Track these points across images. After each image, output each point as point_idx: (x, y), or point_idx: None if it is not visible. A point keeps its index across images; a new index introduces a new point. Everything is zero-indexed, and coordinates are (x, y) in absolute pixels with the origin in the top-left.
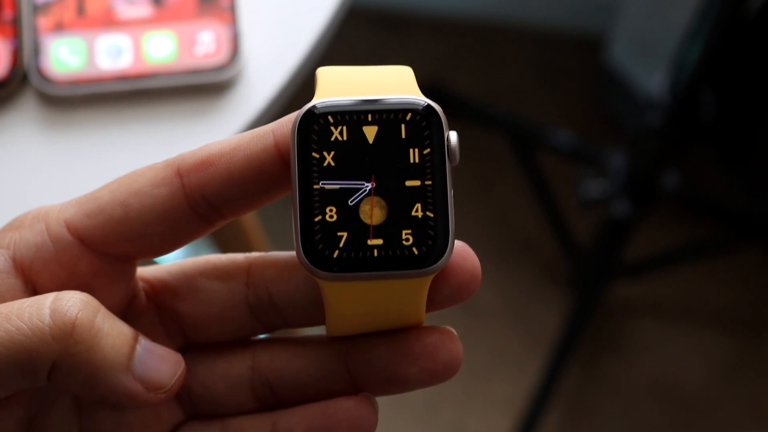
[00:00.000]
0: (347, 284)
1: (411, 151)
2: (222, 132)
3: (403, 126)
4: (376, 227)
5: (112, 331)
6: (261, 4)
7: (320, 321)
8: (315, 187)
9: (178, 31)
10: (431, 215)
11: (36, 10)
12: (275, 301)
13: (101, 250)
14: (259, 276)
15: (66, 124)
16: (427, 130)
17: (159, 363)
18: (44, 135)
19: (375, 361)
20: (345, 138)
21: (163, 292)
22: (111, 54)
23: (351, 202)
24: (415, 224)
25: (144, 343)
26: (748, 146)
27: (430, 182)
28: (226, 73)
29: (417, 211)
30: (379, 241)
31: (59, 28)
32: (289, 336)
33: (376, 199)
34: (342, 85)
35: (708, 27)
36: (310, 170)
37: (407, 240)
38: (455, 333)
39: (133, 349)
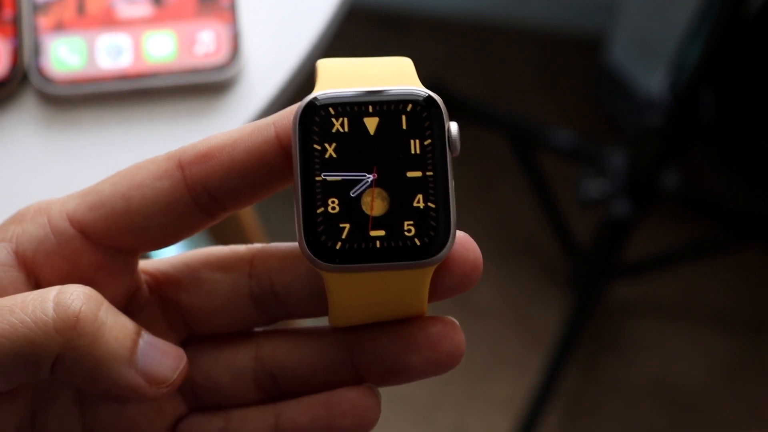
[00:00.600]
0: (350, 275)
1: (412, 142)
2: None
3: (403, 117)
4: (378, 218)
5: (115, 325)
6: (261, 4)
7: (323, 311)
8: (317, 178)
9: (178, 30)
10: (433, 206)
11: (36, 9)
12: (278, 292)
13: (103, 243)
14: (262, 267)
15: (66, 124)
16: (428, 120)
17: (161, 357)
18: (44, 135)
19: (378, 351)
20: (346, 129)
21: (166, 284)
22: (111, 53)
23: (353, 193)
24: (416, 215)
25: (147, 337)
26: (748, 146)
27: (431, 173)
28: (226, 72)
29: (419, 202)
30: (382, 232)
31: (59, 27)
32: (291, 327)
33: (377, 190)
34: (342, 77)
35: (708, 27)
36: (312, 162)
37: (409, 231)
38: (457, 323)
39: (136, 342)
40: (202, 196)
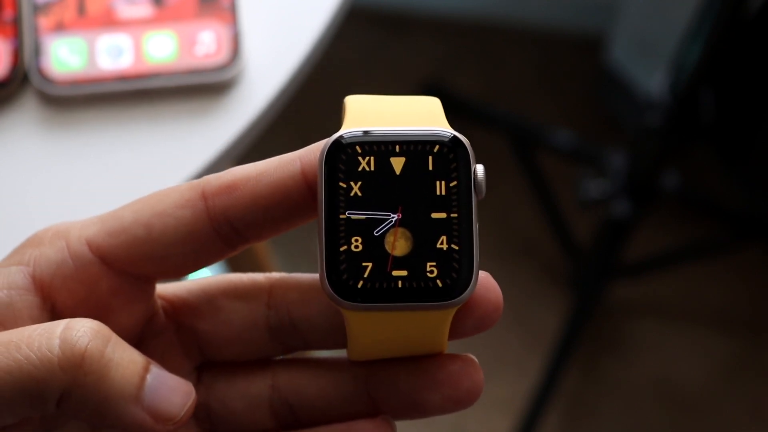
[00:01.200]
0: (370, 314)
1: (438, 183)
2: (223, 132)
3: (430, 158)
4: (401, 258)
5: (122, 361)
6: (261, 4)
7: (341, 345)
8: (341, 216)
9: (179, 31)
10: (456, 248)
11: (36, 10)
12: (296, 324)
13: (122, 269)
14: (281, 298)
15: (66, 125)
16: (454, 162)
17: (169, 394)
18: (44, 135)
19: (397, 387)
20: (372, 168)
21: (183, 310)
22: (111, 54)
23: (377, 232)
24: (439, 256)
25: (155, 372)
26: (748, 146)
27: (455, 215)
28: (227, 73)
29: (442, 243)
30: (404, 273)
31: (60, 28)
32: (309, 357)
33: (401, 230)
34: (370, 115)
35: (708, 27)
36: (337, 200)
37: (432, 272)
38: (476, 360)
39: (143, 379)
40: (224, 227)
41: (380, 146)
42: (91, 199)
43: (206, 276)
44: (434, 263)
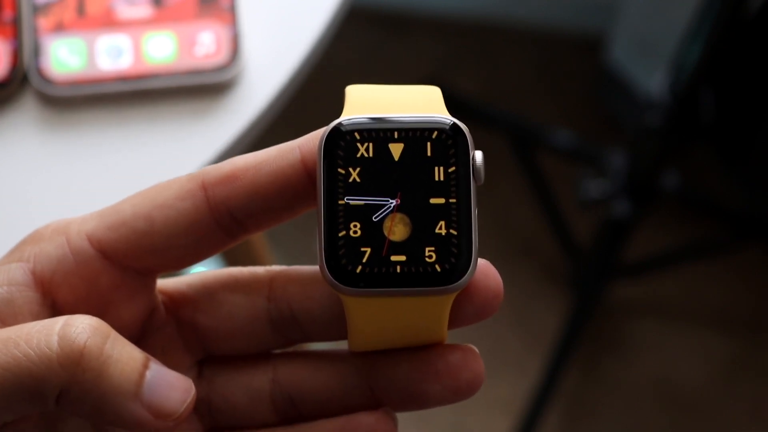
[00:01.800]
0: (370, 300)
1: (436, 169)
2: (223, 132)
3: (428, 144)
4: (399, 243)
5: (121, 357)
6: (261, 4)
7: (342, 336)
8: (340, 202)
9: (178, 31)
10: (455, 233)
11: (36, 10)
12: (297, 316)
13: (123, 264)
14: (281, 291)
15: (66, 125)
16: (453, 148)
17: (169, 390)
18: (44, 135)
19: (397, 378)
20: (371, 155)
21: (183, 304)
22: (111, 54)
23: (375, 218)
24: (438, 242)
25: (154, 369)
26: (748, 146)
27: (454, 200)
28: (227, 73)
29: (441, 228)
30: (403, 258)
31: (59, 28)
32: (310, 350)
33: (400, 215)
34: (370, 103)
35: (708, 27)
36: (336, 186)
37: (430, 257)
38: (477, 351)
39: (142, 375)
40: (225, 218)
41: (379, 133)
42: (91, 200)
43: (206, 270)
44: (433, 248)
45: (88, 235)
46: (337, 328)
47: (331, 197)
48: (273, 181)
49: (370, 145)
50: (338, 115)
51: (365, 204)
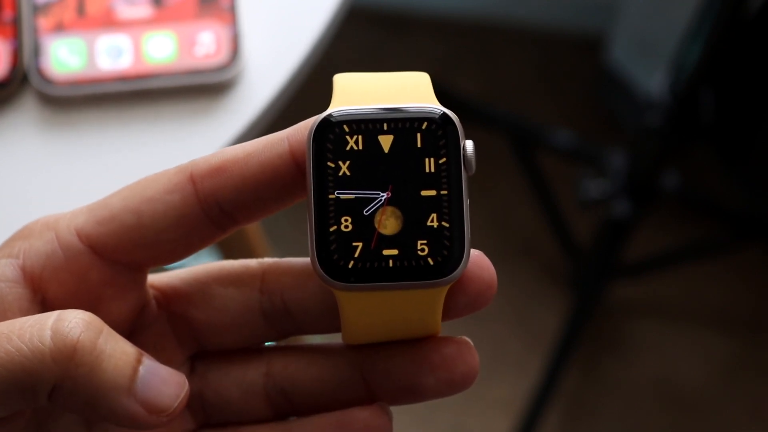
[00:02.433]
0: (362, 294)
1: (427, 160)
2: (223, 132)
3: (418, 135)
4: (391, 237)
5: (114, 353)
6: (261, 4)
7: (335, 329)
8: (330, 197)
9: (178, 31)
10: (447, 225)
11: (36, 10)
12: (290, 309)
13: (112, 258)
14: (274, 283)
15: (66, 125)
16: (443, 139)
17: (162, 385)
18: (44, 135)
19: (392, 371)
20: (360, 147)
21: (175, 299)
22: (111, 54)
23: (366, 212)
24: (430, 234)
25: (147, 364)
26: (748, 146)
27: (445, 192)
28: (227, 73)
29: (432, 221)
30: (395, 252)
31: (59, 28)
32: (303, 344)
33: (391, 209)
34: (358, 93)
35: (708, 27)
36: (326, 180)
37: (422, 250)
38: (472, 343)
39: (135, 370)
40: (214, 210)
41: (368, 124)
42: (91, 200)
43: (198, 264)
44: (425, 241)
45: (78, 230)
46: (330, 320)
47: (322, 192)
48: (262, 172)
49: (360, 137)
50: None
51: (356, 198)
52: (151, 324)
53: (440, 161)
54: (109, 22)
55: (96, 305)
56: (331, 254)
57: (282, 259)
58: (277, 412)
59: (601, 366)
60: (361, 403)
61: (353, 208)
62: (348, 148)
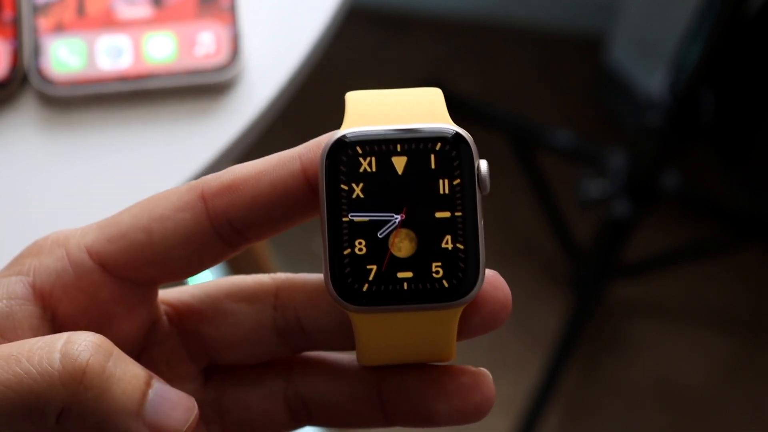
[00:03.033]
0: (377, 316)
1: (441, 181)
2: (223, 132)
3: (432, 156)
4: (406, 260)
5: (124, 376)
6: (261, 4)
7: (350, 346)
8: (344, 219)
9: (178, 31)
10: (461, 247)
11: (36, 10)
12: (304, 326)
13: (123, 276)
14: (288, 300)
15: (66, 125)
16: (457, 160)
17: (171, 409)
18: (44, 136)
19: (407, 394)
20: (374, 169)
21: (187, 315)
22: (111, 55)
23: (380, 234)
24: (445, 256)
25: (157, 387)
26: (748, 146)
27: (460, 213)
28: (227, 73)
29: (447, 243)
30: (409, 274)
31: (59, 28)
32: (324, 355)
33: (405, 231)
34: (371, 111)
35: (708, 27)
36: (339, 203)
37: (437, 272)
38: (489, 375)
39: (145, 394)
40: (225, 228)
41: (381, 146)
42: (91, 200)
43: (210, 279)
44: (440, 263)
45: (88, 247)
46: (345, 337)
47: (335, 215)
48: (273, 191)
49: (373, 159)
50: (339, 116)
51: (369, 220)
52: (162, 340)
53: (454, 182)
54: (109, 22)
55: (106, 323)
56: (345, 277)
57: (295, 275)
58: (297, 420)
59: (601, 366)
60: (376, 421)
61: (367, 230)
62: (361, 170)
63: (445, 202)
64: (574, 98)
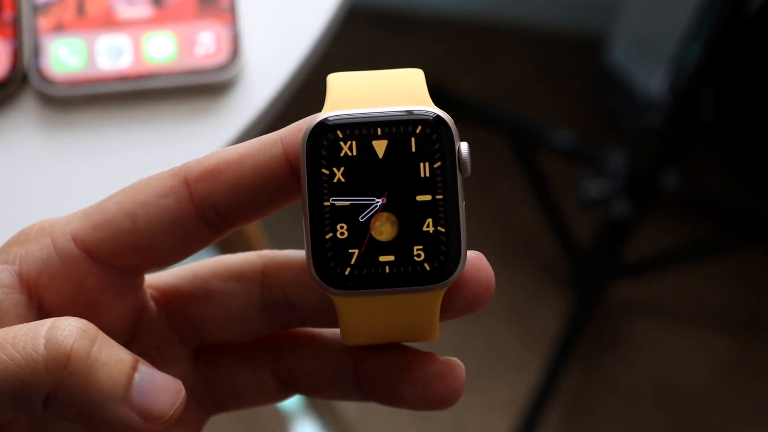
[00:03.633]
0: (359, 299)
1: (421, 165)
2: (223, 132)
3: (413, 139)
4: (387, 243)
5: (109, 360)
6: (261, 4)
7: (337, 323)
8: (325, 204)
9: (178, 31)
10: (443, 230)
11: (36, 10)
12: (292, 303)
13: (109, 263)
14: (275, 277)
15: (66, 125)
16: (438, 143)
17: (158, 392)
18: (44, 135)
19: (377, 373)
20: (354, 153)
21: (175, 297)
22: (111, 54)
23: (362, 218)
24: (426, 240)
25: (143, 371)
26: (748, 146)
27: (441, 196)
28: (226, 73)
29: (428, 226)
30: (391, 258)
31: (59, 28)
32: (310, 331)
33: (387, 214)
34: (352, 93)
35: (708, 27)
36: (320, 187)
37: (419, 256)
38: (461, 367)
39: (131, 378)
40: (209, 213)
41: (362, 129)
42: (91, 200)
43: (197, 260)
44: (421, 246)
45: (73, 235)
46: (331, 314)
47: (317, 199)
48: (256, 175)
49: (353, 143)
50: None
51: (351, 204)
52: (151, 326)
53: (435, 165)
54: (109, 22)
55: (93, 310)
56: (327, 261)
57: (282, 252)
58: (286, 390)
59: (601, 366)
60: (356, 396)
61: (349, 214)
62: (342, 154)
63: (426, 185)
64: (574, 98)
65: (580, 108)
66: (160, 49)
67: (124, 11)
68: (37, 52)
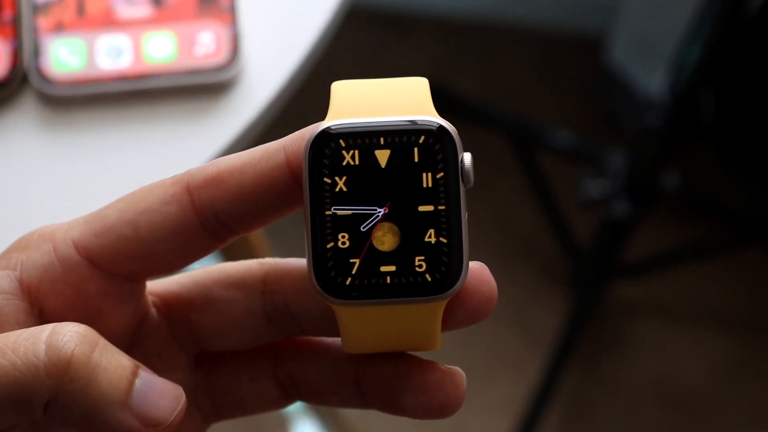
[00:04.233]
0: (360, 309)
1: (424, 175)
2: (223, 132)
3: (415, 149)
4: (389, 253)
5: (110, 366)
6: (261, 4)
7: (338, 332)
8: (327, 213)
9: (178, 31)
10: (444, 241)
11: (36, 10)
12: (292, 311)
13: (110, 270)
14: (276, 285)
15: (66, 125)
16: (440, 153)
17: (158, 398)
18: (44, 135)
19: (378, 380)
20: (357, 162)
21: (176, 304)
22: (111, 54)
23: (363, 228)
24: (428, 250)
25: (144, 377)
26: (748, 146)
27: (443, 207)
28: (226, 73)
29: (430, 236)
30: (392, 268)
31: (59, 28)
32: (311, 339)
33: (388, 225)
34: (355, 102)
35: (708, 27)
36: (322, 196)
37: (420, 266)
38: (462, 376)
39: (131, 383)
40: (211, 221)
41: (364, 139)
42: (91, 200)
43: (198, 268)
44: (423, 257)
45: (74, 242)
46: (332, 323)
47: (318, 208)
48: (258, 183)
49: (356, 152)
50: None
51: (353, 214)
52: (152, 332)
53: (438, 176)
54: (109, 22)
55: (94, 317)
56: (328, 271)
57: (283, 261)
58: (287, 396)
59: (601, 366)
60: (357, 404)
61: (350, 224)
62: (344, 163)
63: (428, 196)
64: (574, 98)
65: (580, 108)
66: (160, 49)
67: (124, 11)
68: (37, 51)
